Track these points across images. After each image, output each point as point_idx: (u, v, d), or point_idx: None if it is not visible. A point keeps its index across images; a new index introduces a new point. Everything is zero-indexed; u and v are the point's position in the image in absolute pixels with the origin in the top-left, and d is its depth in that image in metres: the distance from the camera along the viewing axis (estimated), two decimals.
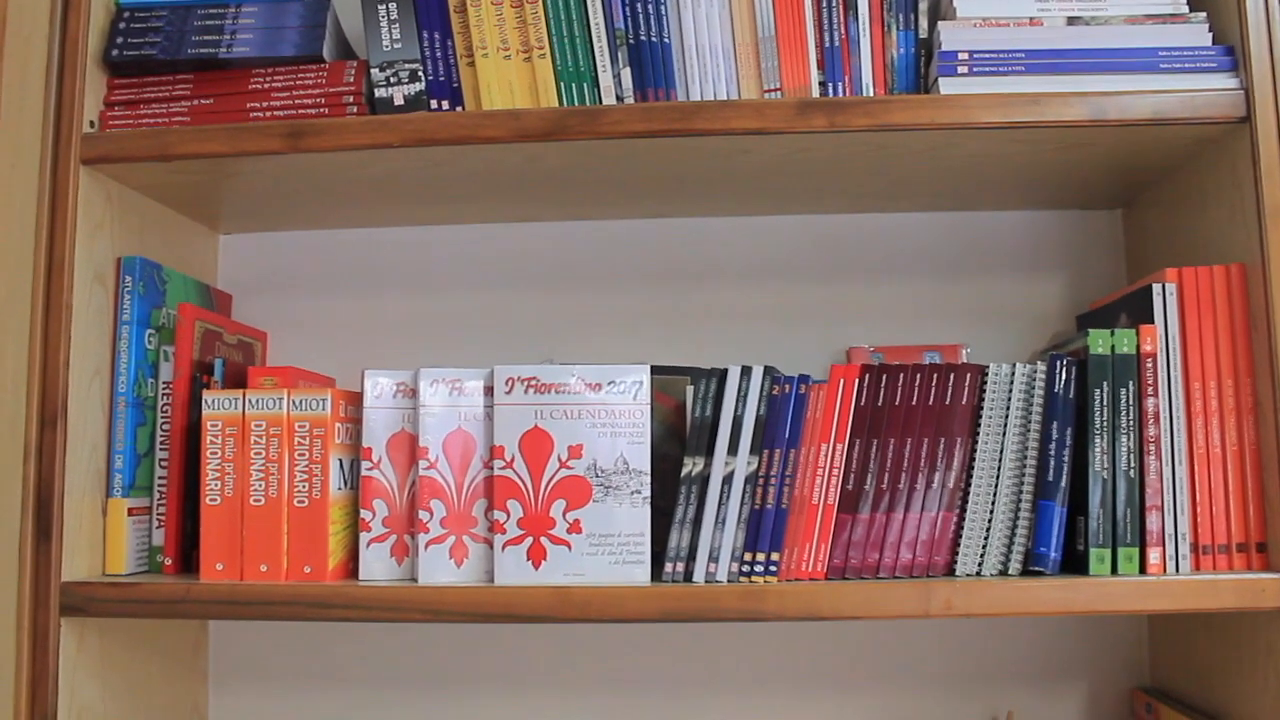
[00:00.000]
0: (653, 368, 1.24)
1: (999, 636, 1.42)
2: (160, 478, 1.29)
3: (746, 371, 1.16)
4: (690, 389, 1.20)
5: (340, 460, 1.22)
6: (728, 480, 1.16)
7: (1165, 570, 1.14)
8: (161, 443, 1.30)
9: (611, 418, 1.17)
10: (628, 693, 1.46)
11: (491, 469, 1.18)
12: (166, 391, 1.30)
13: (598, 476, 1.17)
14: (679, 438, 1.27)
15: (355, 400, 1.25)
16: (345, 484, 1.22)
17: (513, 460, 1.17)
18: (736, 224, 1.50)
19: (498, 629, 1.47)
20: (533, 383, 1.17)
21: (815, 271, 1.49)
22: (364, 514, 1.20)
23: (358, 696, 1.48)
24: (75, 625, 1.21)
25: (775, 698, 1.44)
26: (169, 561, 1.27)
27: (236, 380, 1.33)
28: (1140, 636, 1.41)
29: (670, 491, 1.19)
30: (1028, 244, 1.47)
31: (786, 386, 1.16)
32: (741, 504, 1.15)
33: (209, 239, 1.52)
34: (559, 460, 1.17)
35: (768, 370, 1.16)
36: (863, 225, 1.49)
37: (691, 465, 1.17)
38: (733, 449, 1.16)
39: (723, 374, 1.17)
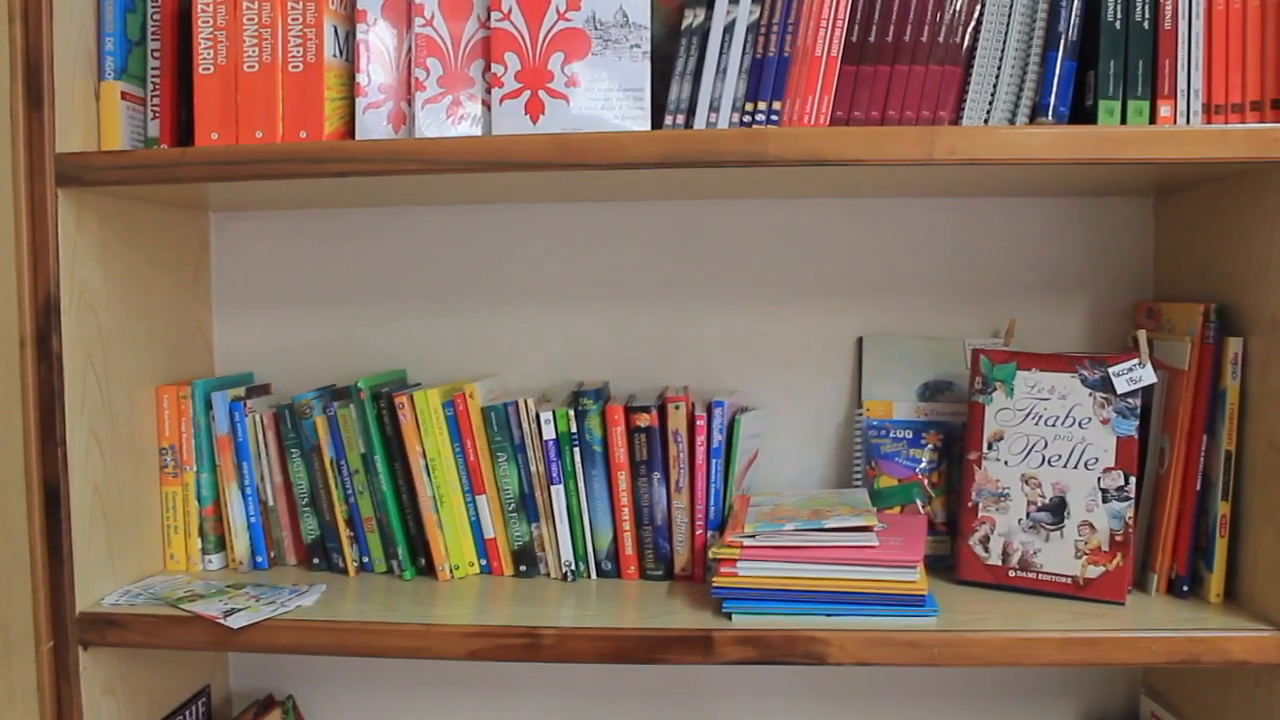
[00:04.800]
0: None
1: (1003, 249, 1.41)
2: (153, 68, 1.27)
3: None
4: None
5: (335, 27, 1.19)
6: (729, 30, 1.13)
7: (1176, 124, 1.12)
8: (153, 33, 1.27)
9: None
10: (626, 276, 1.46)
11: (488, 25, 1.15)
12: None
13: (597, 29, 1.14)
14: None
15: None
16: (340, 53, 1.20)
17: (510, 12, 1.14)
18: None
19: (499, 225, 1.47)
20: None
21: None
22: (359, 78, 1.18)
23: (360, 315, 1.49)
24: (73, 199, 1.20)
25: (771, 291, 1.44)
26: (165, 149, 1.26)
27: None
28: (1145, 254, 1.40)
29: (666, 89, 1.16)
30: None
31: None
32: (743, 54, 1.13)
33: None
34: (557, 12, 1.14)
35: None
36: None
37: (691, 17, 1.14)
38: None
39: None
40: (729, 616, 1.15)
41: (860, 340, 1.41)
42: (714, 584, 1.16)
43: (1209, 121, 1.12)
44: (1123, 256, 1.40)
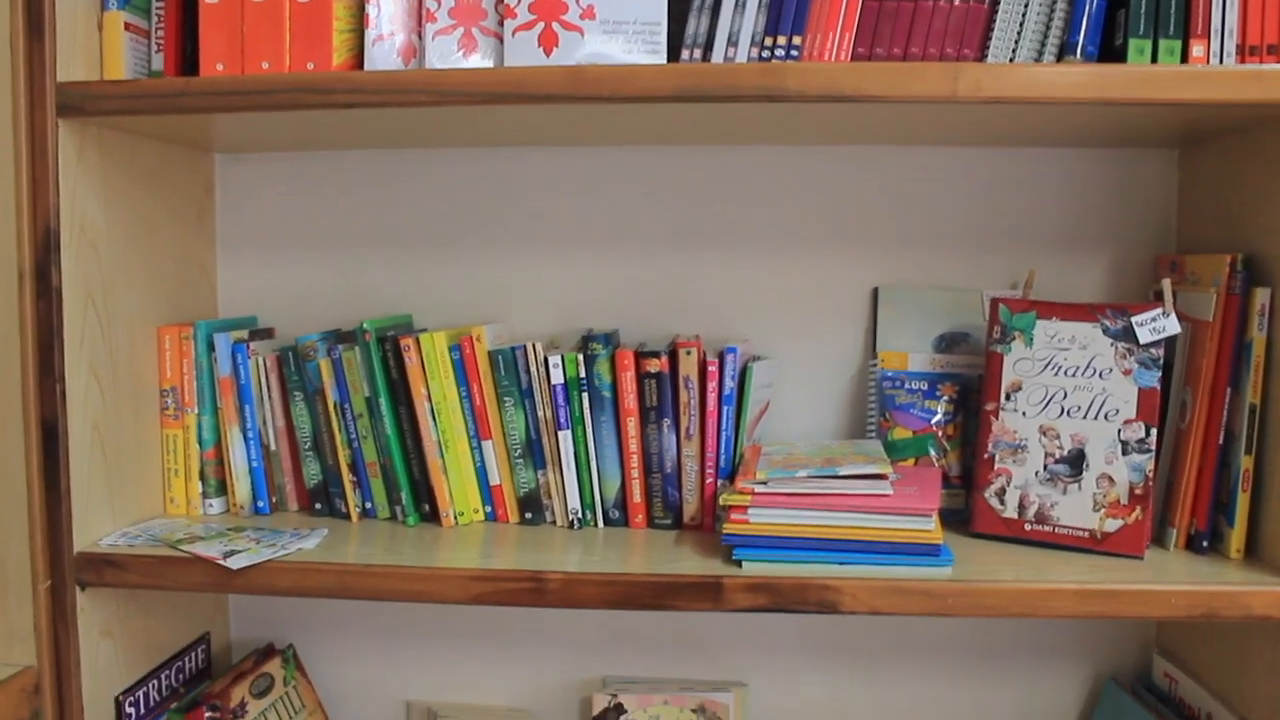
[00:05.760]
0: None
1: (1023, 200, 1.38)
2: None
3: None
4: None
5: None
6: None
7: (1208, 64, 1.08)
8: None
9: None
10: (638, 222, 1.43)
11: None
12: None
13: None
14: None
15: None
16: None
17: None
18: None
19: (509, 169, 1.44)
20: None
21: None
22: (369, 9, 1.15)
23: (366, 260, 1.47)
24: (74, 130, 1.17)
25: (787, 239, 1.41)
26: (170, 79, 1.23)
27: None
28: (1168, 207, 1.36)
29: (683, 23, 1.13)
30: None
31: None
32: None
33: None
34: None
35: None
36: None
37: None
38: None
39: None
40: (739, 564, 1.13)
41: (876, 290, 1.38)
42: (724, 530, 1.13)
43: (1243, 62, 1.09)
44: (1145, 209, 1.37)
